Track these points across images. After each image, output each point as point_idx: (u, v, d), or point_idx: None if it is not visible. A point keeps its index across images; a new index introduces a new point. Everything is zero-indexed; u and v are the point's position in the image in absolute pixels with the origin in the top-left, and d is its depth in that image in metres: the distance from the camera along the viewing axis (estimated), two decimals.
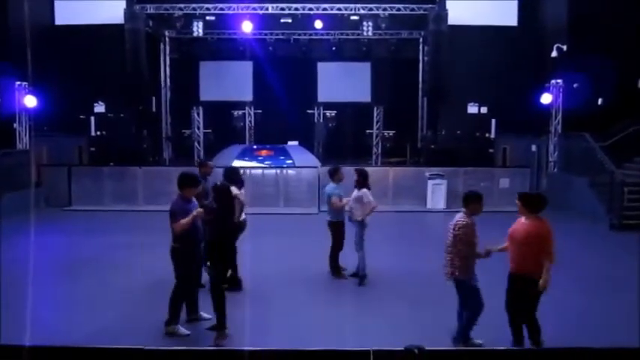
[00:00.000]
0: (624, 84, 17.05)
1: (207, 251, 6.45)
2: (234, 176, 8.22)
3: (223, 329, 6.39)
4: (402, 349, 3.18)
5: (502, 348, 3.38)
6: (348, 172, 9.50)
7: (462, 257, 5.95)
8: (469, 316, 6.07)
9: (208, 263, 6.40)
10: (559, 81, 17.44)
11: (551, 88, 17.50)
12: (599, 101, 17.90)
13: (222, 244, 6.42)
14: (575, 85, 17.49)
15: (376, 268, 9.11)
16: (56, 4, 21.13)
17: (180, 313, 6.73)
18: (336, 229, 9.06)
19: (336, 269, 9.13)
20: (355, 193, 8.89)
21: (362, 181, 8.89)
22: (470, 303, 6.04)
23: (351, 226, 8.91)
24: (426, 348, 3.10)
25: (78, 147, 19.62)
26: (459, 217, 6.04)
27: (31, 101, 16.54)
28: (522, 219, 5.92)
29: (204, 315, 6.95)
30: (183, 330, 6.67)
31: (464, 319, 6.13)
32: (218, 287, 6.38)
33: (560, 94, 17.47)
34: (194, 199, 6.78)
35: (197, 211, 6.49)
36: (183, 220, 6.38)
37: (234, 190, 7.25)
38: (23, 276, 8.34)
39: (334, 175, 9.17)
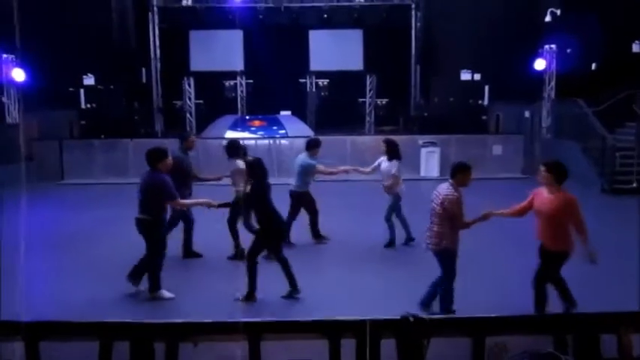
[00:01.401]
0: (618, 48, 16.95)
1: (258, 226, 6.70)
2: (238, 149, 8.22)
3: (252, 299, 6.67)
4: (399, 317, 3.21)
5: (498, 315, 3.43)
6: (342, 141, 9.46)
7: (448, 229, 5.88)
8: (447, 286, 5.99)
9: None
10: (552, 46, 17.31)
11: (544, 53, 17.37)
12: (593, 66, 17.83)
13: (270, 217, 6.65)
14: (568, 51, 17.38)
15: (369, 236, 9.16)
16: None
17: (159, 279, 6.88)
18: (303, 199, 9.02)
19: (319, 236, 9.28)
20: (386, 164, 8.76)
21: (392, 152, 8.77)
22: (449, 273, 5.98)
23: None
24: (422, 316, 3.13)
25: (68, 120, 19.41)
26: (446, 189, 5.87)
27: (19, 75, 16.28)
28: (544, 191, 5.78)
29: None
30: (167, 294, 6.87)
31: (441, 288, 6.04)
32: (253, 258, 6.71)
33: (554, 60, 17.36)
34: None
35: (208, 201, 6.81)
36: (188, 202, 7.04)
37: (239, 163, 7.36)
38: (14, 251, 8.32)
39: (315, 148, 9.00)
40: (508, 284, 7.00)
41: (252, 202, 6.67)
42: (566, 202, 5.64)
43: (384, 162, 8.83)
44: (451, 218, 5.82)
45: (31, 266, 7.87)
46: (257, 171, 6.70)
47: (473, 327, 3.47)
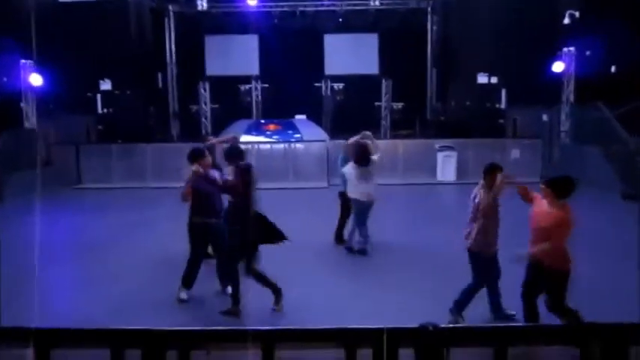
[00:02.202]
0: (638, 51, 16.64)
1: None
2: (239, 155, 8.00)
3: (236, 306, 6.43)
4: (417, 326, 3.11)
5: (521, 325, 3.30)
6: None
7: (480, 230, 5.91)
8: (471, 289, 6.06)
9: None
10: (571, 49, 17.03)
11: (563, 56, 17.09)
12: (613, 69, 17.54)
13: (247, 229, 6.44)
14: (587, 53, 17.11)
15: (388, 242, 9.04)
16: None
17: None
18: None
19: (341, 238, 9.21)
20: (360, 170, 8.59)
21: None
22: (476, 277, 6.05)
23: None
24: (441, 325, 3.03)
25: (85, 125, 19.55)
26: (477, 190, 6.02)
27: (36, 80, 16.41)
28: (545, 202, 5.52)
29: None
30: (183, 295, 6.90)
31: (466, 289, 6.09)
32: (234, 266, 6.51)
33: (573, 62, 17.07)
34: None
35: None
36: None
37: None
38: (33, 256, 8.34)
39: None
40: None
41: (236, 210, 6.49)
42: (566, 218, 5.37)
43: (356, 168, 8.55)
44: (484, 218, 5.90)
45: (49, 272, 7.87)
46: (246, 177, 6.46)
47: (495, 337, 3.35)
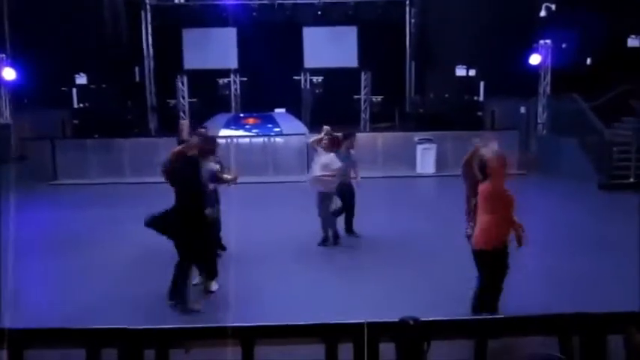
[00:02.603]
0: (613, 43, 16.88)
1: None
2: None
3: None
4: (397, 320, 3.09)
5: (501, 317, 3.32)
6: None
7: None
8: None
9: None
10: (548, 41, 17.19)
11: (539, 48, 17.26)
12: (588, 61, 17.75)
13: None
14: (563, 46, 17.29)
15: (369, 234, 9.05)
16: None
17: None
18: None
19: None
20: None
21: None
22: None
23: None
24: (421, 319, 3.02)
25: (61, 120, 19.20)
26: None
27: (9, 74, 16.09)
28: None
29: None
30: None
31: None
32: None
33: (549, 55, 17.25)
34: None
35: None
36: None
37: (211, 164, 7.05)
38: (6, 253, 8.18)
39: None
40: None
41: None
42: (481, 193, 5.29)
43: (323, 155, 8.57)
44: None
45: (22, 269, 7.70)
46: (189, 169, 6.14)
47: (474, 329, 3.36)
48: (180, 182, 6.13)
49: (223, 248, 8.22)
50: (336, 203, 8.96)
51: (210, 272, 6.88)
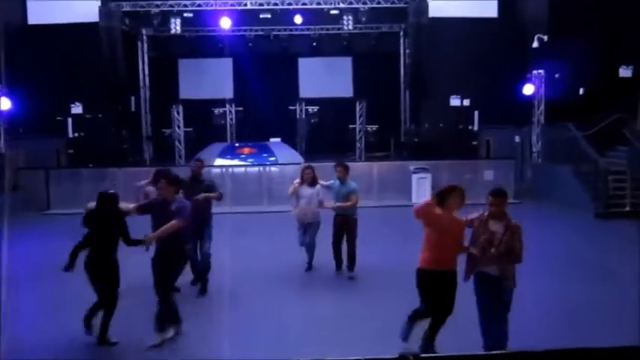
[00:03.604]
0: (606, 73, 17.11)
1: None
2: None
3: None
4: (397, 356, 3.00)
5: (506, 351, 3.23)
6: (332, 168, 9.25)
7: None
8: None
9: None
10: (541, 71, 17.41)
11: (533, 78, 17.46)
12: (581, 90, 17.94)
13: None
14: (556, 75, 17.49)
15: (364, 264, 8.95)
16: (29, 3, 20.65)
17: None
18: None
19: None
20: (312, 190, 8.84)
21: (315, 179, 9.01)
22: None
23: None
24: (422, 355, 2.92)
25: (55, 149, 19.16)
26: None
27: (5, 103, 16.08)
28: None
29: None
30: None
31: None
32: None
33: (542, 85, 17.44)
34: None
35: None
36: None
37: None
38: None
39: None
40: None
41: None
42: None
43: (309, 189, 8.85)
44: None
45: (12, 300, 7.54)
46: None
47: None
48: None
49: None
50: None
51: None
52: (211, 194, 8.17)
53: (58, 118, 19.97)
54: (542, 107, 17.53)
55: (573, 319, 6.80)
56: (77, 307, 7.57)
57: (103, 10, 19.47)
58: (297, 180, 8.96)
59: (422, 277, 5.56)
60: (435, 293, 5.48)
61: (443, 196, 5.48)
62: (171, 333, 6.28)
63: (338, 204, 8.76)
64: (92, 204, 6.82)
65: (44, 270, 9.66)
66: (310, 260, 9.09)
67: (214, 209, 8.46)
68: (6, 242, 10.08)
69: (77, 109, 20.14)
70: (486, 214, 5.42)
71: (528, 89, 17.45)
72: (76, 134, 20.22)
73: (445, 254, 5.45)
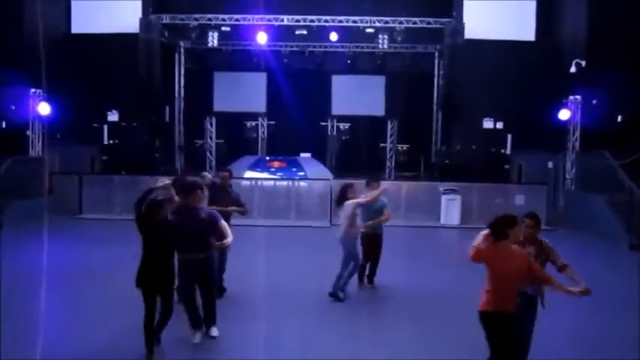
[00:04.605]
0: None
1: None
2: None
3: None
4: None
5: None
6: (362, 186, 9.19)
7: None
8: None
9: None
10: (577, 97, 17.12)
11: (569, 104, 17.18)
12: (619, 118, 17.57)
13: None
14: (594, 102, 17.16)
15: (389, 285, 8.85)
16: (73, 12, 21.26)
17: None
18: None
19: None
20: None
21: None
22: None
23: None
24: None
25: (90, 155, 19.60)
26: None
27: (44, 109, 16.53)
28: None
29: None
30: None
31: None
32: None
33: (579, 110, 17.14)
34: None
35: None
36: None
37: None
38: (28, 286, 8.19)
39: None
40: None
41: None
42: None
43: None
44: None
45: (44, 303, 7.66)
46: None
47: None
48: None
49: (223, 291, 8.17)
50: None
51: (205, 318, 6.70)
52: (239, 208, 8.22)
53: (95, 124, 20.44)
54: (577, 133, 17.21)
55: (597, 351, 6.59)
56: (103, 311, 7.70)
57: (144, 22, 19.96)
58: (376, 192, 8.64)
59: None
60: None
61: (500, 231, 4.89)
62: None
63: (369, 223, 8.73)
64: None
65: (73, 271, 9.84)
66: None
67: (240, 221, 8.48)
68: (38, 244, 10.33)
69: (113, 116, 20.61)
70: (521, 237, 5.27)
71: (564, 115, 17.17)
72: (111, 141, 20.66)
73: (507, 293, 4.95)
